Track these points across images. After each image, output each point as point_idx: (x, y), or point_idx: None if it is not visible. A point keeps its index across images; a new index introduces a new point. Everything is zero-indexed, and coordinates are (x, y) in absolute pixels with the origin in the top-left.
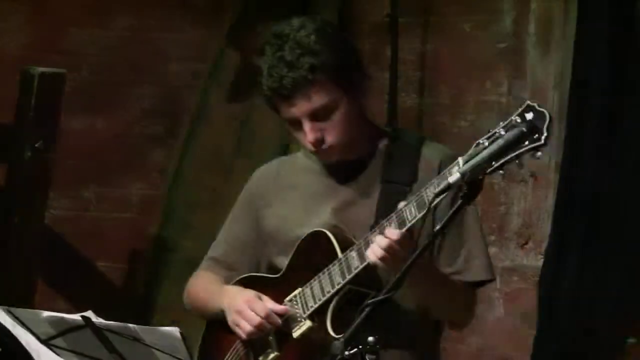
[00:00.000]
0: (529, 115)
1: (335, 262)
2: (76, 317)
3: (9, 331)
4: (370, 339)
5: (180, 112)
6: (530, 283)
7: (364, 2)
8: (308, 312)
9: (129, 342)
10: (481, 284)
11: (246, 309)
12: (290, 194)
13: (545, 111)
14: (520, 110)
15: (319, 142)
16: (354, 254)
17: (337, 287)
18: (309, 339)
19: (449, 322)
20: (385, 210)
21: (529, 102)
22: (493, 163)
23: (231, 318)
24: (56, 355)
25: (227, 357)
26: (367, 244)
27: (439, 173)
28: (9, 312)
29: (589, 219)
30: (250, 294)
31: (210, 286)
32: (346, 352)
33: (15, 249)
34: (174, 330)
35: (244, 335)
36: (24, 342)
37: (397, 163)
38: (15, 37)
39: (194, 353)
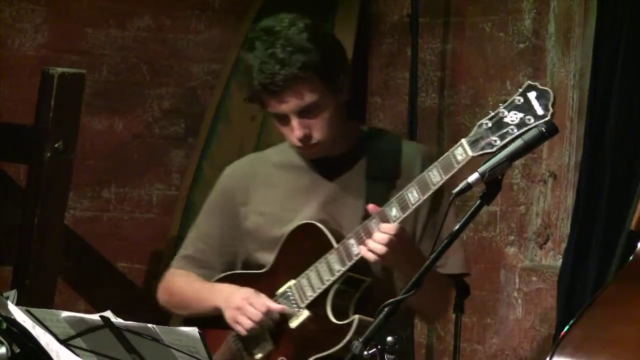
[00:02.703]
0: (532, 95)
1: (333, 250)
2: (95, 317)
3: (28, 331)
4: (390, 339)
5: (199, 112)
6: (549, 283)
7: (385, 2)
8: (307, 302)
9: (148, 342)
10: (456, 277)
11: (246, 305)
12: (268, 191)
13: (548, 89)
14: (521, 90)
15: (306, 138)
16: (352, 241)
17: (337, 274)
18: (306, 328)
19: (425, 314)
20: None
21: (529, 81)
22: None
23: (230, 314)
24: (75, 356)
25: (218, 353)
26: (367, 231)
27: (422, 169)
28: (29, 313)
29: (609, 219)
30: (248, 291)
31: (195, 284)
32: (365, 352)
33: (36, 249)
34: (193, 331)
35: (244, 332)
36: (43, 343)
37: (380, 159)
38: (34, 37)
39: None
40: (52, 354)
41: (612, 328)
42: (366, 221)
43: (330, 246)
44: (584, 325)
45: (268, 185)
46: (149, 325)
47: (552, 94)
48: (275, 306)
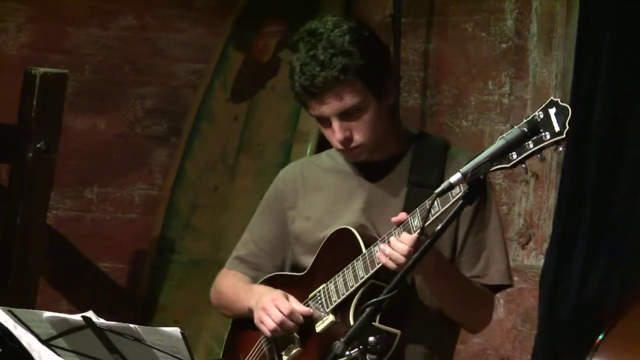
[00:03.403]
0: (552, 111)
1: (359, 257)
2: (77, 317)
3: (10, 332)
4: (371, 339)
5: (182, 112)
6: (531, 283)
7: (367, 2)
8: (331, 307)
9: (130, 343)
10: (498, 289)
11: (271, 306)
12: (316, 195)
13: (567, 106)
14: (543, 105)
15: (347, 141)
16: (377, 249)
17: (360, 281)
18: (332, 333)
19: (465, 324)
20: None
21: (552, 98)
22: (495, 164)
23: (257, 315)
24: (57, 356)
25: (250, 353)
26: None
27: None
28: (11, 313)
29: (591, 219)
30: (277, 293)
31: (238, 285)
32: (347, 352)
33: (18, 249)
34: (175, 331)
35: (267, 332)
36: (25, 343)
37: (424, 166)
38: (16, 37)
39: (195, 354)
40: (34, 354)
41: None
42: (392, 229)
43: (360, 252)
44: (621, 330)
45: (315, 189)
46: (131, 325)
47: (570, 111)
48: (300, 309)
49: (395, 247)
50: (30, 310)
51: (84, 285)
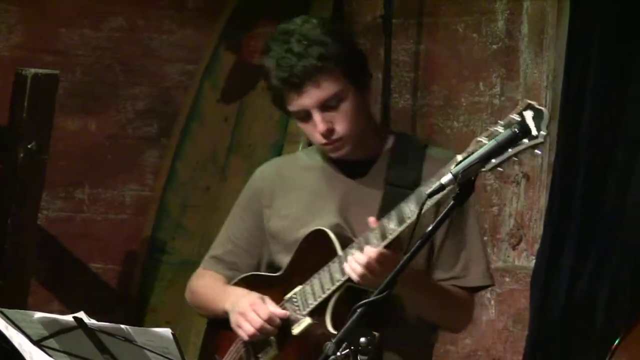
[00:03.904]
0: (528, 114)
1: (335, 259)
2: (68, 318)
3: (1, 332)
4: (363, 339)
5: (173, 113)
6: (522, 284)
7: (358, 2)
8: (308, 309)
9: (121, 343)
10: (479, 289)
11: (249, 311)
12: (293, 194)
13: (544, 109)
14: (519, 108)
15: (329, 133)
16: (353, 251)
17: (336, 284)
18: (309, 335)
19: (444, 327)
20: (387, 212)
21: (528, 100)
22: (486, 164)
23: (234, 319)
24: (48, 357)
25: (227, 354)
26: (367, 242)
27: None
28: (2, 313)
29: (582, 220)
30: (254, 296)
31: (214, 285)
32: (338, 353)
33: (9, 250)
34: (166, 331)
35: (245, 337)
36: (16, 343)
37: (402, 165)
38: (7, 38)
39: (185, 354)
40: (25, 355)
41: None
42: (367, 232)
43: (336, 254)
44: (637, 334)
45: (293, 187)
46: (122, 326)
47: (547, 114)
48: (278, 312)
49: (356, 259)
50: (22, 310)
51: (75, 286)
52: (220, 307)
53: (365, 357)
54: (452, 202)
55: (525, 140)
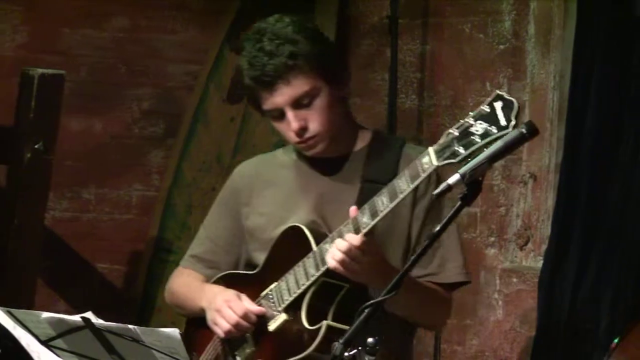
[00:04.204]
0: (498, 104)
1: (310, 254)
2: (76, 318)
3: (9, 332)
4: (370, 340)
5: (178, 113)
6: (529, 285)
7: (364, 3)
8: (283, 305)
9: (128, 343)
10: (456, 285)
11: (225, 307)
12: (270, 191)
13: (513, 100)
14: (489, 99)
15: (302, 131)
16: (327, 246)
17: (311, 279)
18: (285, 331)
19: (421, 325)
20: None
21: (497, 91)
22: (442, 160)
23: (210, 316)
24: (56, 356)
25: (205, 353)
26: (341, 236)
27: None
28: (9, 314)
29: (589, 220)
30: (230, 293)
31: (191, 284)
32: (346, 354)
33: (15, 250)
34: (174, 332)
35: (222, 334)
36: (24, 344)
37: (378, 163)
38: (12, 38)
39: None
40: (33, 355)
41: None
42: (341, 226)
43: (311, 249)
44: (637, 334)
45: (270, 185)
46: (130, 326)
47: (516, 105)
48: (254, 309)
49: (337, 246)
50: (29, 311)
51: (81, 286)
52: (198, 305)
53: (373, 358)
54: (459, 203)
55: (495, 131)
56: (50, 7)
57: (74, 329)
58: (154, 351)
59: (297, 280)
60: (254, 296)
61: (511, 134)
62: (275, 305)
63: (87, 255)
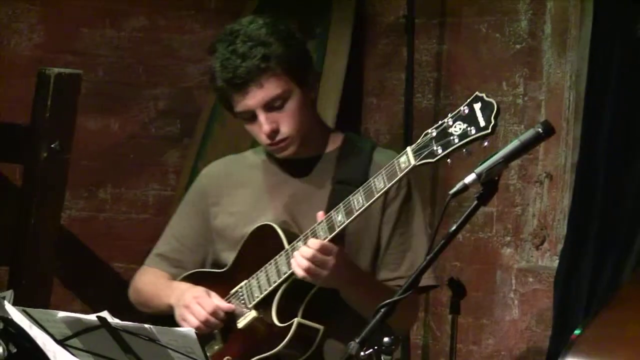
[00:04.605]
0: (477, 106)
1: (282, 252)
2: (92, 317)
3: (25, 332)
4: (386, 339)
5: (194, 113)
6: (545, 284)
7: (381, 3)
8: (254, 303)
9: (144, 343)
10: (425, 289)
11: (194, 304)
12: (240, 192)
13: (493, 101)
14: (468, 100)
15: (274, 133)
16: (300, 244)
17: (283, 277)
18: (254, 329)
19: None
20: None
21: (477, 92)
22: (419, 159)
23: (179, 312)
24: (72, 356)
25: None
26: (315, 235)
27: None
28: (25, 313)
29: (605, 220)
30: (199, 290)
31: (157, 282)
32: (362, 353)
33: (32, 249)
34: (190, 331)
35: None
36: (40, 343)
37: (349, 164)
38: (29, 37)
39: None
40: (49, 354)
41: (628, 327)
42: (314, 225)
43: (282, 248)
44: (599, 325)
45: (240, 185)
46: (146, 325)
47: (496, 106)
48: (223, 305)
49: (301, 252)
50: (45, 310)
51: (97, 285)
52: (165, 302)
53: (389, 357)
54: (475, 202)
55: (473, 131)
56: (67, 6)
57: (89, 328)
58: (170, 351)
59: (269, 277)
60: (223, 294)
61: (527, 133)
62: (245, 303)
63: (103, 254)
